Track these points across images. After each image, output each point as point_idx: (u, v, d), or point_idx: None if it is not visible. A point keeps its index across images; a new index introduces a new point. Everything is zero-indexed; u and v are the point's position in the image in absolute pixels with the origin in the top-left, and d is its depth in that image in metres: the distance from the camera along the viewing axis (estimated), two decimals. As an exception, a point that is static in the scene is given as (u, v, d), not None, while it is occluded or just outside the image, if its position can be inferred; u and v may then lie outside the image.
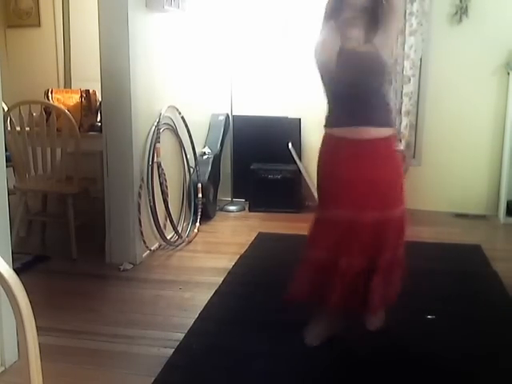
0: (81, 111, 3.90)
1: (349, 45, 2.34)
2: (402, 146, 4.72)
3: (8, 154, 2.80)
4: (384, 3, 2.32)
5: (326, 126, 2.49)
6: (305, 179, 4.85)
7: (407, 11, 4.61)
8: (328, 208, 2.45)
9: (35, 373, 1.21)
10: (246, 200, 5.05)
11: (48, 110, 3.64)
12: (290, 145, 4.82)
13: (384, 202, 2.39)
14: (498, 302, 3.06)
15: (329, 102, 2.47)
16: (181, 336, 2.63)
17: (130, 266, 3.53)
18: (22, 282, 1.21)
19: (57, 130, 3.59)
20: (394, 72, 4.55)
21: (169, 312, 2.94)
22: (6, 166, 2.43)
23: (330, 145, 2.46)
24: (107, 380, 2.32)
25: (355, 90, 2.35)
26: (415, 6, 4.56)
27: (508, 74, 4.60)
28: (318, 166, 2.51)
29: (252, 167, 4.93)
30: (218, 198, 4.97)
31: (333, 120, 2.45)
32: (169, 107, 3.98)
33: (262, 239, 4.12)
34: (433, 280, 3.31)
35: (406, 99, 4.73)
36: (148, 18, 3.62)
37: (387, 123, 2.43)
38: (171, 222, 3.97)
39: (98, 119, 3.90)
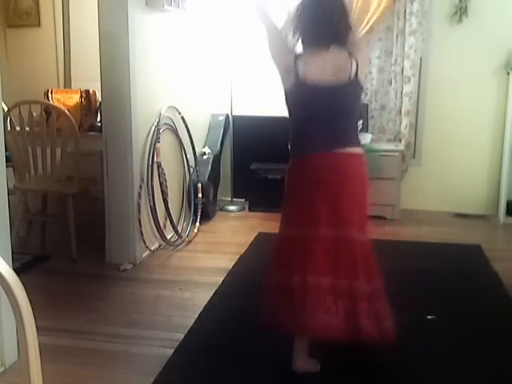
0: (81, 111, 3.90)
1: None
2: (402, 146, 4.73)
3: (8, 153, 2.80)
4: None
5: (295, 153, 2.46)
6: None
7: (407, 11, 4.62)
8: (289, 225, 2.35)
9: (35, 373, 1.21)
10: (245, 200, 5.05)
11: (48, 110, 3.64)
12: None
13: (347, 220, 2.25)
14: (497, 302, 3.06)
15: (296, 129, 2.47)
16: (181, 336, 2.63)
17: (129, 266, 3.53)
18: (22, 282, 1.21)
19: (57, 129, 3.59)
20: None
21: (169, 312, 2.95)
22: (6, 166, 2.43)
23: (300, 167, 2.42)
24: (107, 380, 2.32)
25: (333, 113, 2.28)
26: (415, 6, 4.56)
27: (508, 73, 4.60)
28: (286, 186, 2.46)
29: (252, 167, 4.93)
30: (217, 197, 4.97)
31: (305, 146, 2.41)
32: (169, 107, 3.98)
33: (261, 239, 4.11)
34: (433, 280, 3.32)
35: (405, 99, 4.73)
36: (148, 18, 3.62)
37: (359, 144, 2.37)
38: (171, 222, 3.97)
39: (98, 119, 3.89)
